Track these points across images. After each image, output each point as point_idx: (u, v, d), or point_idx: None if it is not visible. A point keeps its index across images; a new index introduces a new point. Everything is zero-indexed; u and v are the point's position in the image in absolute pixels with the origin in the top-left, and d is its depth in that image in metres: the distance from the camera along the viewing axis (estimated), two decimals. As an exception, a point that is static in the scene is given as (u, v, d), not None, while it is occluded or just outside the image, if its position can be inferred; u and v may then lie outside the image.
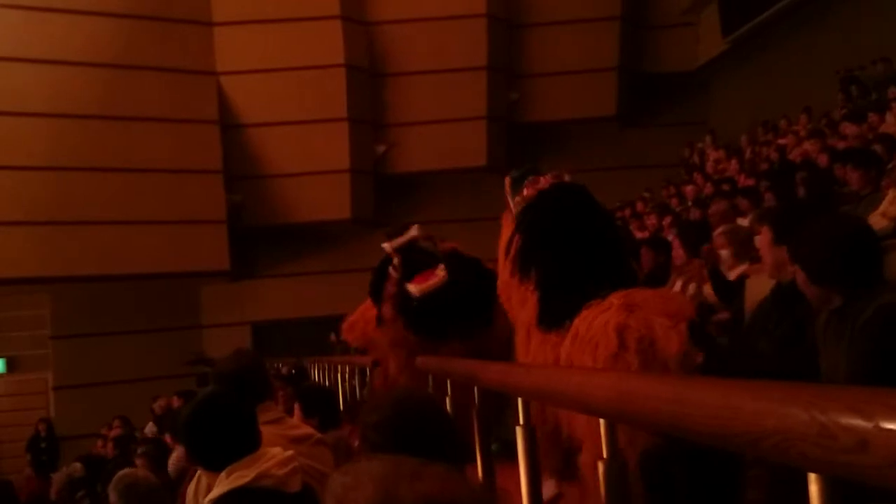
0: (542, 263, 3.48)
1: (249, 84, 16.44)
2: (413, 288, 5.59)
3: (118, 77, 15.56)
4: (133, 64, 15.67)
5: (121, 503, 4.25)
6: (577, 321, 3.21)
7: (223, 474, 2.57)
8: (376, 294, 6.03)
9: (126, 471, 4.67)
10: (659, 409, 1.55)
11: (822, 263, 2.60)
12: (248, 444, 2.63)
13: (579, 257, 3.37)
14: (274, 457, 2.64)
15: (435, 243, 5.94)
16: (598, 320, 3.13)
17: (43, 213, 14.92)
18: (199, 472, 3.01)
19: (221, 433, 2.62)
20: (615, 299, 3.12)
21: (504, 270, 3.84)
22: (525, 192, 4.17)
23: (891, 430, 0.83)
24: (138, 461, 6.27)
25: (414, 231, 5.91)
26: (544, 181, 4.05)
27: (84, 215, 15.22)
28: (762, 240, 3.36)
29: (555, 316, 3.32)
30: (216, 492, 2.58)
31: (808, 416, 0.97)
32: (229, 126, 16.61)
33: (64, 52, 15.20)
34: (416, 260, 5.75)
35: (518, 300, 3.65)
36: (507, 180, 4.60)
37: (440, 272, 5.61)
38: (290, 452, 2.72)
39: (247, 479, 2.54)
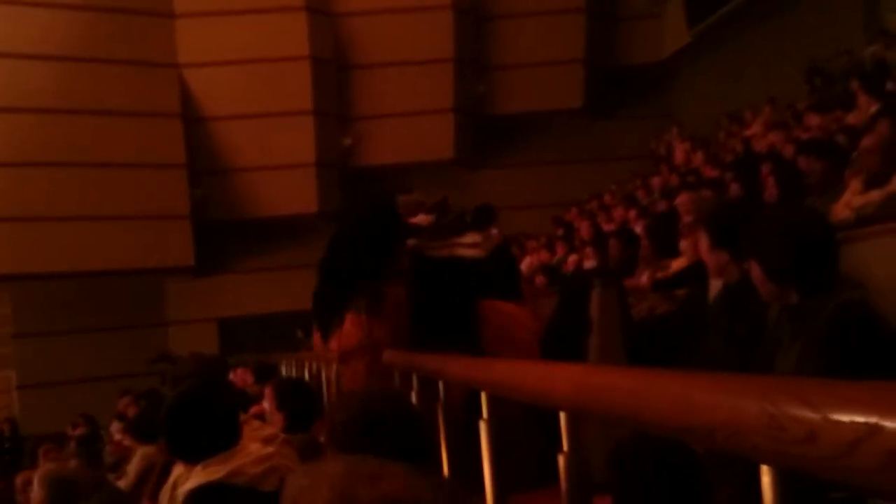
0: None
1: (212, 77, 16.31)
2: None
3: (78, 70, 15.39)
4: (93, 57, 15.50)
5: (46, 498, 4.27)
6: None
7: (199, 467, 2.60)
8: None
9: (52, 465, 4.70)
10: (618, 401, 1.55)
11: (783, 261, 2.56)
12: (226, 438, 2.63)
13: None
14: (251, 454, 2.64)
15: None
16: None
17: (1, 209, 14.73)
18: (173, 476, 3.01)
19: (200, 425, 2.63)
20: None
21: None
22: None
23: (838, 422, 0.82)
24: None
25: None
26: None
27: (44, 212, 15.05)
28: (701, 244, 3.37)
29: None
30: (190, 483, 2.59)
31: (758, 407, 0.96)
32: (192, 119, 16.48)
33: (21, 45, 15.01)
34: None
35: None
36: None
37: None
38: (268, 450, 2.72)
39: (220, 475, 2.56)
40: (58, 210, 15.13)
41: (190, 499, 2.58)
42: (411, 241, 4.48)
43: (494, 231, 4.95)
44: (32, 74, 15.08)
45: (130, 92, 15.71)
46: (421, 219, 4.55)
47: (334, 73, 17.07)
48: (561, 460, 2.09)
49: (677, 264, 6.06)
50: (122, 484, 7.11)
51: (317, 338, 4.90)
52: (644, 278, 6.42)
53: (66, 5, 15.51)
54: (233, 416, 2.75)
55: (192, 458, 2.64)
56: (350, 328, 4.47)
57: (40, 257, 14.91)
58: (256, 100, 16.20)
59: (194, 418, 2.67)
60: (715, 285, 3.76)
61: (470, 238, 4.59)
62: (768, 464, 1.08)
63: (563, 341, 5.17)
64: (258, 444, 2.75)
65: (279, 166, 16.42)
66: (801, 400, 0.90)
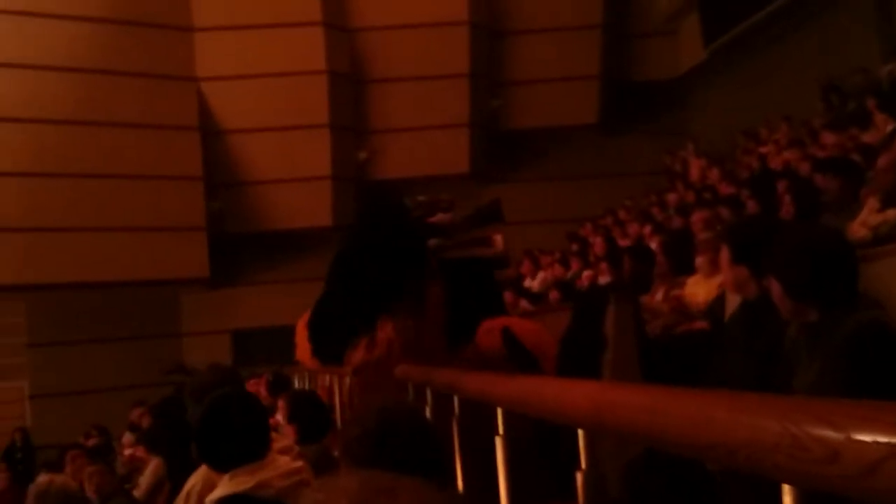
0: None
1: (230, 90, 16.40)
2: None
3: (97, 82, 15.49)
4: (112, 69, 15.61)
5: None
6: None
7: (226, 476, 2.60)
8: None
9: (43, 477, 4.71)
10: (636, 419, 1.54)
11: (802, 278, 2.55)
12: (255, 449, 2.63)
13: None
14: (279, 467, 2.64)
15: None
16: None
17: (19, 219, 14.81)
18: (187, 486, 3.01)
19: (231, 434, 2.64)
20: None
21: None
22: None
23: (861, 441, 0.83)
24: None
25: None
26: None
27: (62, 222, 15.13)
28: (722, 259, 3.36)
29: None
30: (218, 493, 2.61)
31: (780, 427, 0.96)
32: (209, 132, 16.56)
33: (42, 57, 15.12)
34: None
35: None
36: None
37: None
38: (297, 464, 2.72)
39: (247, 486, 2.56)
40: (75, 220, 15.21)
41: None
42: (433, 242, 4.39)
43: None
44: (52, 86, 15.19)
45: (149, 104, 15.81)
46: (440, 218, 4.44)
47: (350, 87, 17.14)
48: (578, 477, 2.09)
49: (693, 281, 6.05)
50: (135, 494, 7.13)
51: (303, 350, 4.67)
52: (659, 295, 6.40)
53: (87, 18, 15.63)
54: (263, 428, 2.75)
55: (221, 466, 2.64)
56: (390, 335, 4.29)
57: (56, 267, 14.98)
58: (273, 113, 16.27)
59: (226, 427, 2.66)
60: (732, 301, 3.75)
61: (492, 230, 4.55)
62: (790, 483, 1.08)
63: (577, 357, 5.16)
64: (287, 457, 2.75)
65: (295, 179, 16.47)
66: (823, 420, 0.90)
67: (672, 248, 6.87)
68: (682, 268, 6.44)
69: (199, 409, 2.78)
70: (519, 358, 4.03)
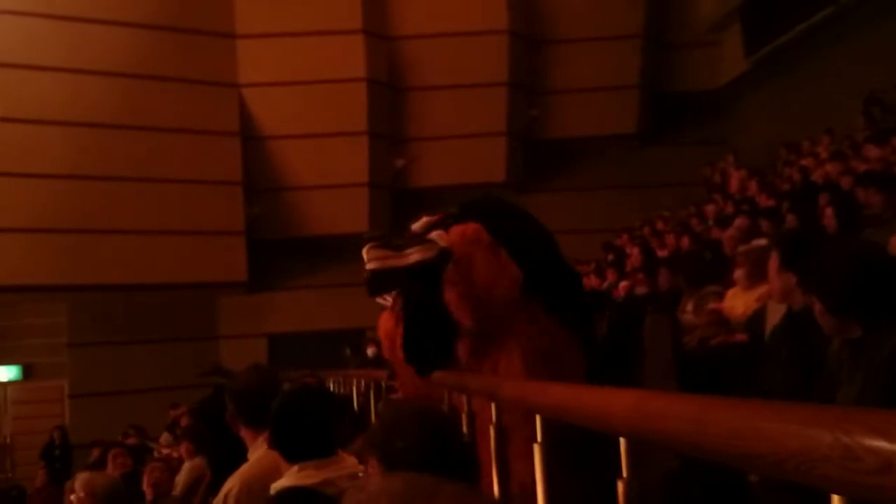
0: None
1: (271, 96, 16.57)
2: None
3: (140, 87, 15.72)
4: (155, 74, 15.83)
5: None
6: None
7: (295, 468, 2.64)
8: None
9: (89, 472, 4.76)
10: (680, 429, 1.54)
11: (843, 293, 2.51)
12: (327, 444, 2.69)
13: None
14: (347, 467, 2.68)
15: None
16: None
17: (61, 221, 15.05)
18: (224, 489, 3.04)
19: (309, 427, 2.68)
20: None
21: None
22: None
23: (916, 453, 0.83)
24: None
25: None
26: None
27: (103, 224, 15.34)
28: (770, 265, 3.33)
29: None
30: (284, 482, 2.65)
31: (832, 437, 0.96)
32: (250, 138, 16.73)
33: (85, 61, 15.38)
34: None
35: None
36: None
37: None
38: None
39: (313, 481, 2.60)
40: (116, 223, 15.42)
41: (282, 497, 2.63)
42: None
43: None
44: (95, 90, 15.43)
45: (190, 109, 16.01)
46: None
47: (389, 95, 17.23)
48: (620, 486, 2.08)
49: (731, 294, 5.99)
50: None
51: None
52: (689, 306, 6.35)
53: (130, 23, 15.87)
54: (335, 426, 2.79)
55: (292, 456, 2.68)
56: None
57: (97, 269, 15.19)
58: (312, 120, 16.41)
59: (303, 418, 2.70)
60: (773, 313, 3.70)
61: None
62: (840, 494, 1.08)
63: (613, 368, 5.14)
64: (354, 458, 2.78)
65: (333, 186, 16.59)
66: (877, 430, 0.90)
67: (686, 261, 6.81)
68: (697, 281, 6.39)
69: (280, 398, 2.80)
70: None
